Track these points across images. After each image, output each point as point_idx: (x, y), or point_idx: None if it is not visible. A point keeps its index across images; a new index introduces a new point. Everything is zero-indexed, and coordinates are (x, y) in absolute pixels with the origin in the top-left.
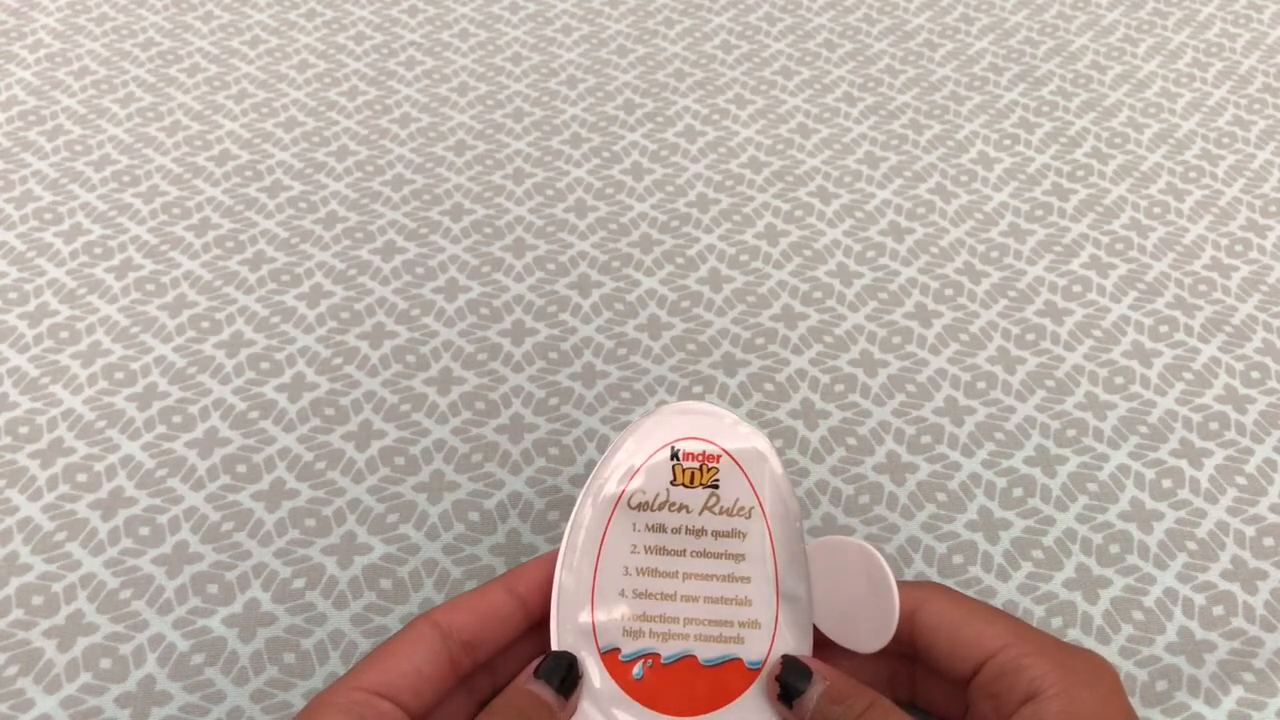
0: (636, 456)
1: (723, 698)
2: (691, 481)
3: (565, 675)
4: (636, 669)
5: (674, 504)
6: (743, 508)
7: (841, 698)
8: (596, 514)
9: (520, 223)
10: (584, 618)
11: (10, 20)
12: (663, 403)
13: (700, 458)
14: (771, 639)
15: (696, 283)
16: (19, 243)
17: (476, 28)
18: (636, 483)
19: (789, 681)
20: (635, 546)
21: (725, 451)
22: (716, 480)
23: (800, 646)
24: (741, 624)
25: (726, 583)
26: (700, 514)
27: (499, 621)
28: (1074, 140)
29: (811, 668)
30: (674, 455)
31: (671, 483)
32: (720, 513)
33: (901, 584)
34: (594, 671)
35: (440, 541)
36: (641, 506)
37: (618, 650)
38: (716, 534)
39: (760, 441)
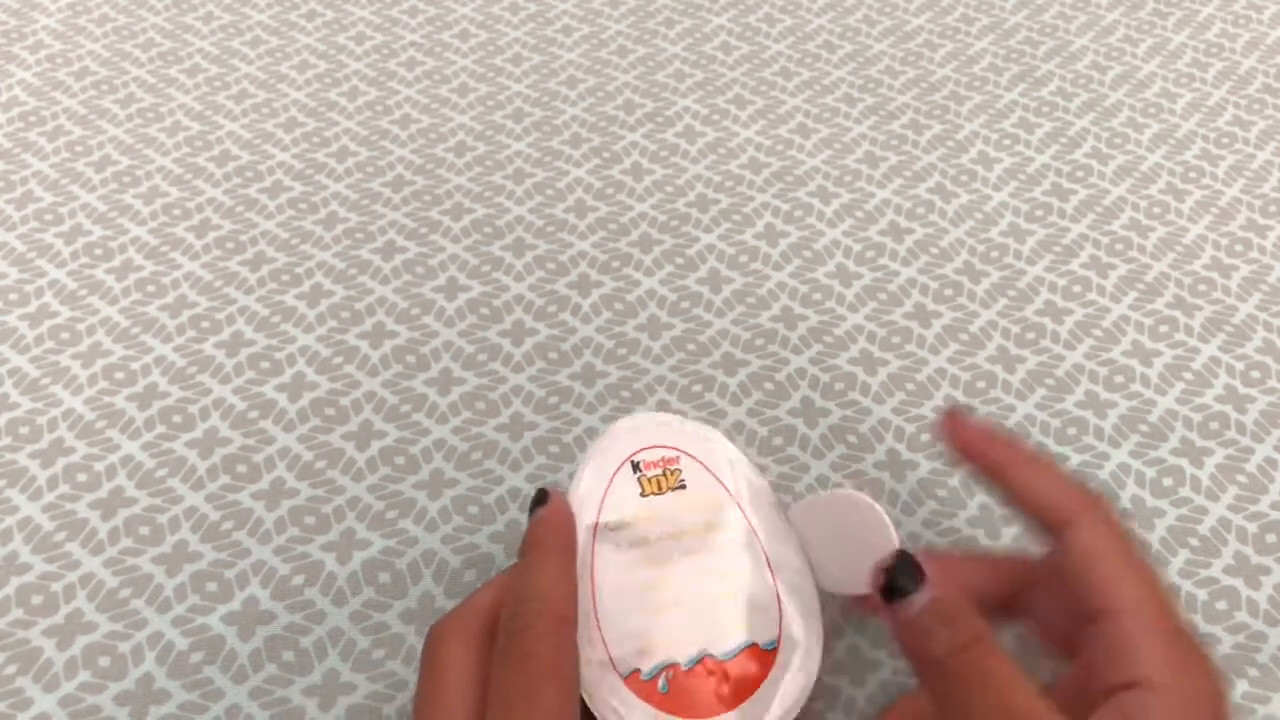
0: (599, 482)
1: (751, 682)
2: (659, 489)
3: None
4: (660, 683)
5: (649, 516)
6: (713, 499)
7: (950, 619)
8: (581, 547)
9: (520, 223)
10: (599, 652)
11: (11, 21)
12: (611, 420)
13: (660, 464)
14: (779, 616)
15: (696, 283)
16: (20, 244)
17: (477, 28)
18: (608, 507)
19: (898, 582)
20: (624, 566)
21: (681, 451)
22: (682, 481)
23: (807, 613)
24: (746, 610)
25: (721, 576)
26: (676, 517)
27: None
28: (1074, 140)
29: (926, 572)
30: (635, 468)
31: (640, 495)
32: (693, 510)
33: (1073, 490)
34: (623, 699)
35: (439, 533)
36: (619, 527)
37: (638, 671)
38: (696, 532)
39: (710, 432)
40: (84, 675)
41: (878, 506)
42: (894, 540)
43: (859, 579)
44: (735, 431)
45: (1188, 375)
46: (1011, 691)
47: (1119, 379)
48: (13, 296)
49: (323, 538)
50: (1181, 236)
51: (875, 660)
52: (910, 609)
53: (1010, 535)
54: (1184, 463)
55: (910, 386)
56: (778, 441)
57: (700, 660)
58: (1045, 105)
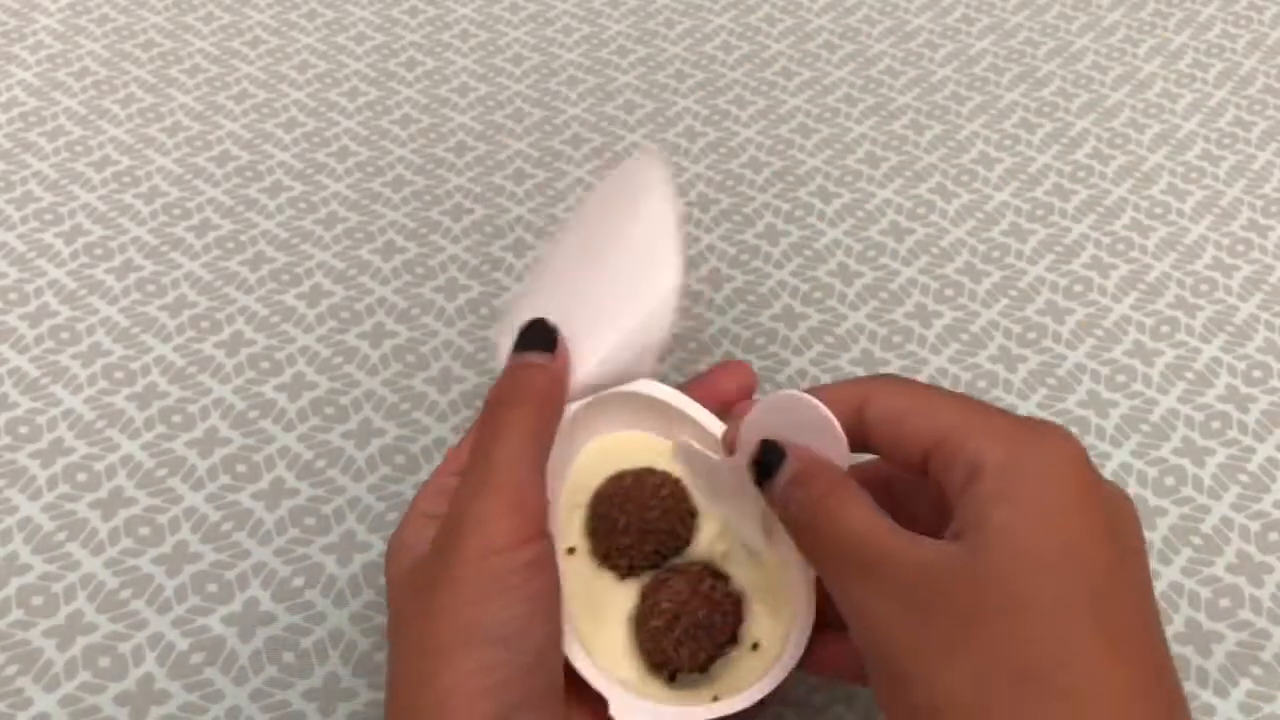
0: None
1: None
2: None
3: (539, 337)
4: None
5: None
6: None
7: (805, 480)
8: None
9: (520, 222)
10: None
11: (11, 21)
12: None
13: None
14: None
15: (697, 282)
16: (19, 243)
17: (477, 28)
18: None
19: (766, 461)
20: None
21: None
22: None
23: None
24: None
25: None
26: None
27: None
28: (1075, 141)
29: (787, 451)
30: None
31: None
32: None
33: (847, 382)
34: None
35: None
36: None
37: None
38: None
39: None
40: (84, 675)
41: (818, 403)
42: (841, 438)
43: None
44: None
45: (1189, 375)
46: (857, 519)
47: (1121, 379)
48: (12, 296)
49: (323, 539)
50: (1183, 237)
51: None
52: (776, 486)
53: None
54: (1186, 462)
55: None
56: None
57: None
58: (1046, 105)
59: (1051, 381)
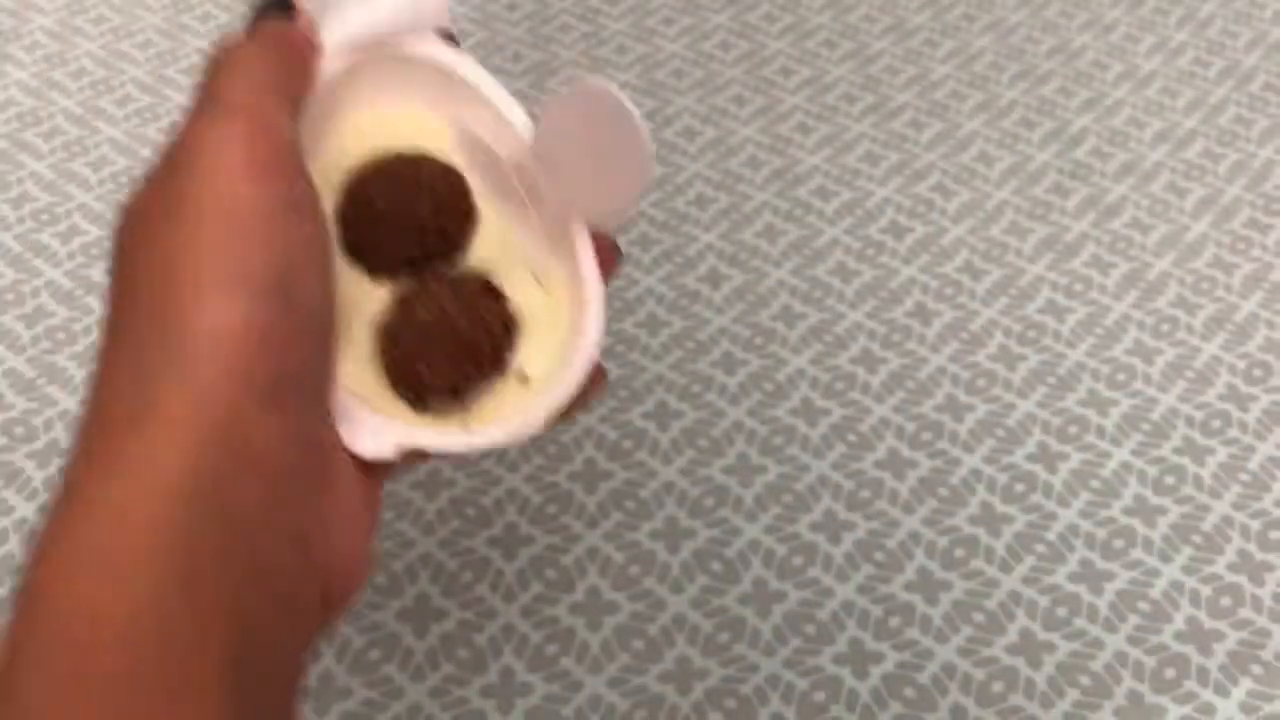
0: None
1: None
2: None
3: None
4: None
5: None
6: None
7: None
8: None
9: None
10: None
11: (8, 21)
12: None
13: None
14: None
15: (695, 281)
16: (16, 244)
17: (475, 26)
18: None
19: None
20: None
21: None
22: None
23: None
24: None
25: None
26: None
27: None
28: (1075, 138)
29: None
30: None
31: None
32: None
33: None
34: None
35: (435, 536)
36: None
37: None
38: None
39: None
40: None
41: (628, 105)
42: (648, 152)
43: (615, 203)
44: (735, 431)
45: (1189, 373)
46: None
47: (1121, 377)
48: (9, 297)
49: None
50: (1183, 235)
51: (878, 653)
52: None
53: (1011, 533)
54: (1186, 461)
55: (911, 384)
56: (778, 441)
57: None
58: (1046, 103)
59: (1051, 380)
